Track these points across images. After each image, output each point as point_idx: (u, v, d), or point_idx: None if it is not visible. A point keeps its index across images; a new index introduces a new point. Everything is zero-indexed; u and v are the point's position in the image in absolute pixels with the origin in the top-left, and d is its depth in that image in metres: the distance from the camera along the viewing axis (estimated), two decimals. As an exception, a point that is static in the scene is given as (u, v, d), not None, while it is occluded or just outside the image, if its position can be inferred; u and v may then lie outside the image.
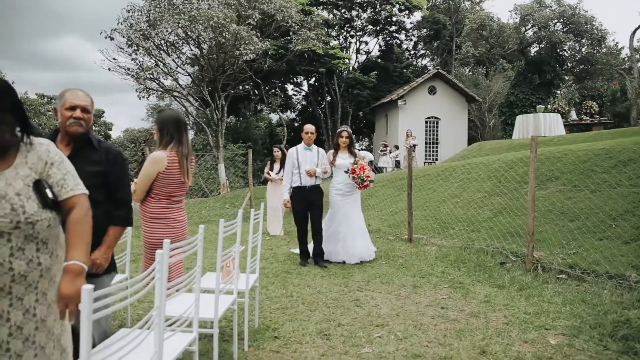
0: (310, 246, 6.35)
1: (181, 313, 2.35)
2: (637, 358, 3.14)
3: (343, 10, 28.17)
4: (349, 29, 28.98)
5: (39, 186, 1.76)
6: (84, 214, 1.87)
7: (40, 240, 1.76)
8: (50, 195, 1.79)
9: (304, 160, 6.13)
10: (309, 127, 6.32)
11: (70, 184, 1.87)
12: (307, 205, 6.18)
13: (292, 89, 30.75)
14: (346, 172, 6.13)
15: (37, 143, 1.83)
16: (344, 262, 6.18)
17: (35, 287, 1.74)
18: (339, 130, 6.51)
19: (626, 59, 26.87)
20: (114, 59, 15.86)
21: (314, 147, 6.30)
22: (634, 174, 6.51)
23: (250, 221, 3.67)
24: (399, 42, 31.55)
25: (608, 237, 5.53)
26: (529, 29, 24.02)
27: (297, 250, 6.58)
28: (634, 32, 19.90)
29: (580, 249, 5.51)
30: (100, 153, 2.55)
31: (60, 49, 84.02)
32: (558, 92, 26.15)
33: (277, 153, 8.89)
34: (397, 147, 19.18)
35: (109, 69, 15.88)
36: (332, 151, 6.44)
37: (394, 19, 28.72)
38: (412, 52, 33.95)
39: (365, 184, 6.07)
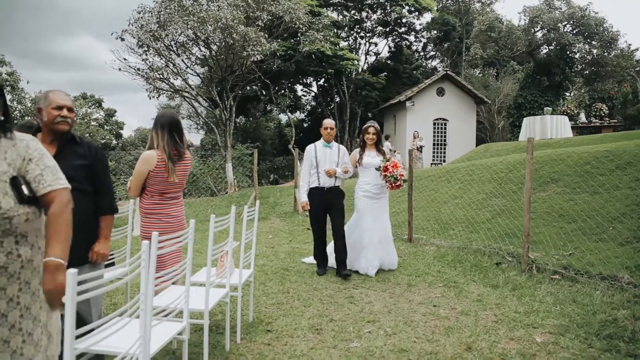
0: (330, 248, 5.74)
1: (168, 303, 2.47)
2: (619, 356, 3.20)
3: (353, 12, 28.24)
4: (359, 30, 29.03)
5: (15, 182, 1.77)
6: (60, 209, 1.85)
7: (19, 234, 1.79)
8: (26, 191, 1.79)
9: (323, 159, 5.54)
10: (329, 122, 5.65)
11: (48, 179, 1.86)
12: (326, 207, 5.57)
13: (301, 90, 30.94)
14: (377, 169, 5.54)
15: (18, 139, 1.85)
16: (359, 273, 5.60)
17: (18, 277, 1.77)
18: (365, 126, 5.82)
19: (640, 60, 26.51)
20: (125, 59, 16.11)
21: (334, 144, 5.68)
22: (634, 176, 6.52)
23: (244, 218, 3.79)
24: (408, 43, 31.55)
25: (604, 239, 5.56)
26: (538, 31, 23.86)
27: (310, 260, 6.05)
28: (646, 34, 19.77)
29: (577, 251, 5.55)
30: (84, 147, 2.75)
31: (73, 48, 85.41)
32: (567, 94, 25.92)
33: None
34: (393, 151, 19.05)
35: (119, 69, 16.14)
36: (358, 150, 5.86)
37: (404, 20, 28.74)
38: (421, 54, 33.91)
39: (398, 183, 5.45)
